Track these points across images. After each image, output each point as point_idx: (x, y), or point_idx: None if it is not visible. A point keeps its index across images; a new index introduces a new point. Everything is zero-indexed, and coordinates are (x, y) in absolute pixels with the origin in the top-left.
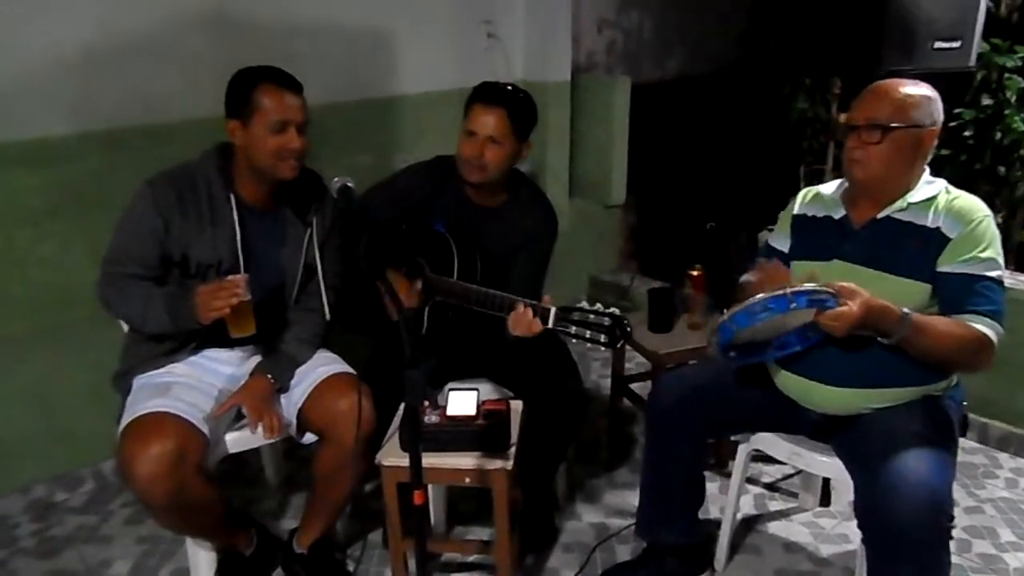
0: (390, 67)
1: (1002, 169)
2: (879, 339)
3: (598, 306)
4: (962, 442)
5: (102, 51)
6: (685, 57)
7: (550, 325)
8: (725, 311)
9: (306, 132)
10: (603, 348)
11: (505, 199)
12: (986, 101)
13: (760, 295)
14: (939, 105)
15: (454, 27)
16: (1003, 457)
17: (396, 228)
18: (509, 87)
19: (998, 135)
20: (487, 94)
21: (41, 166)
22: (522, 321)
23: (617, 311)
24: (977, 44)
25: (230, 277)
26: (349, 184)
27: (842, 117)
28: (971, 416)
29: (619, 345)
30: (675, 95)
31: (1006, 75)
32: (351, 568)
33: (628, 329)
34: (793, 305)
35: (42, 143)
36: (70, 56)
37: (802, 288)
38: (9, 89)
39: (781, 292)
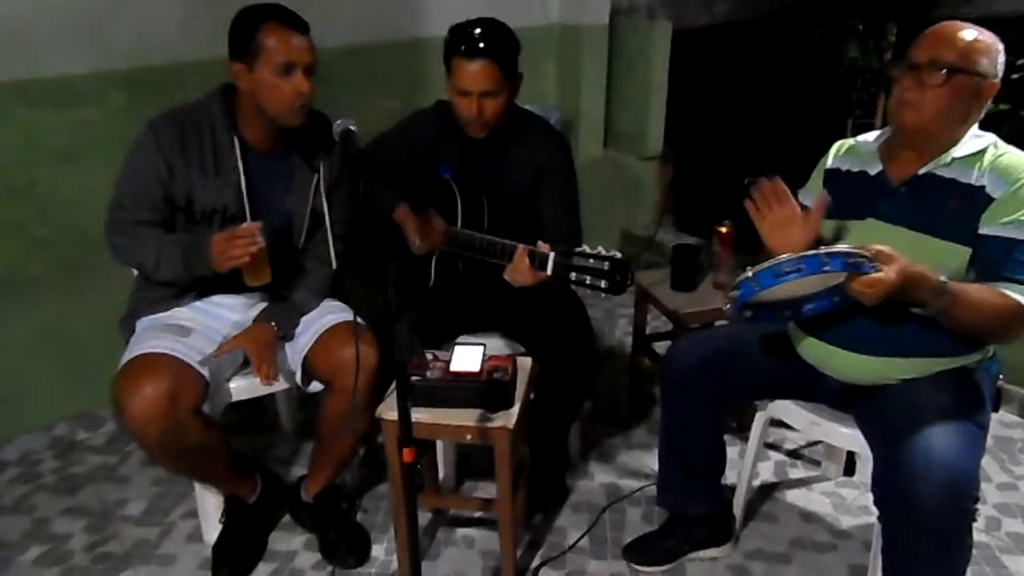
0: (417, 8)
1: None
2: (912, 309)
3: (599, 249)
4: (1000, 415)
5: None
6: (734, 0)
7: (548, 272)
8: (750, 268)
9: (314, 75)
10: (604, 295)
11: (509, 136)
12: None
13: (788, 255)
14: (1003, 58)
15: None
16: None
17: (399, 178)
18: (482, 29)
19: None
20: (468, 46)
21: (62, 106)
22: (520, 269)
23: (619, 254)
24: None
25: (244, 225)
26: (352, 128)
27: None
28: (1012, 388)
29: (622, 292)
30: (720, 41)
31: None
32: (358, 518)
33: (630, 273)
34: (827, 268)
35: (62, 82)
36: None
37: (838, 249)
38: (29, 26)
39: (815, 253)
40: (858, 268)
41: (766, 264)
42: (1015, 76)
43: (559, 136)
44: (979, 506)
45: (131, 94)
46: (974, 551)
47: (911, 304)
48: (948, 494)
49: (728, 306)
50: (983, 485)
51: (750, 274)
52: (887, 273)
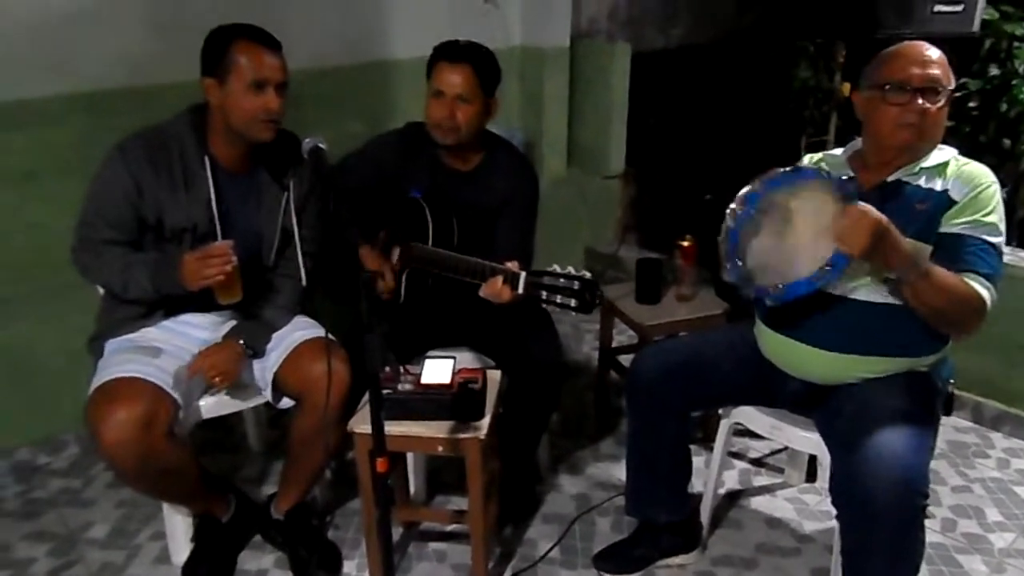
0: (383, 31)
1: (1007, 142)
2: (887, 276)
3: (569, 269)
4: (954, 421)
5: (87, 12)
6: (690, 24)
7: (520, 291)
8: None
9: (285, 93)
10: (574, 312)
11: (480, 161)
12: (993, 71)
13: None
14: None
15: None
16: (996, 437)
17: (368, 198)
18: (468, 43)
19: (1004, 107)
20: (450, 52)
21: (24, 128)
22: (493, 287)
23: (588, 274)
24: (981, 9)
25: (217, 243)
26: (321, 145)
27: (860, 82)
28: (965, 395)
29: (591, 310)
30: (678, 63)
31: (1015, 44)
32: (329, 535)
33: (599, 293)
34: (825, 176)
35: (23, 104)
36: (54, 16)
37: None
38: None
39: (814, 168)
40: (848, 195)
41: (768, 174)
42: (957, 94)
43: (530, 168)
44: (935, 508)
45: (94, 117)
46: (931, 551)
47: (888, 265)
48: (900, 491)
49: (729, 221)
50: (939, 488)
51: (757, 184)
52: (874, 210)
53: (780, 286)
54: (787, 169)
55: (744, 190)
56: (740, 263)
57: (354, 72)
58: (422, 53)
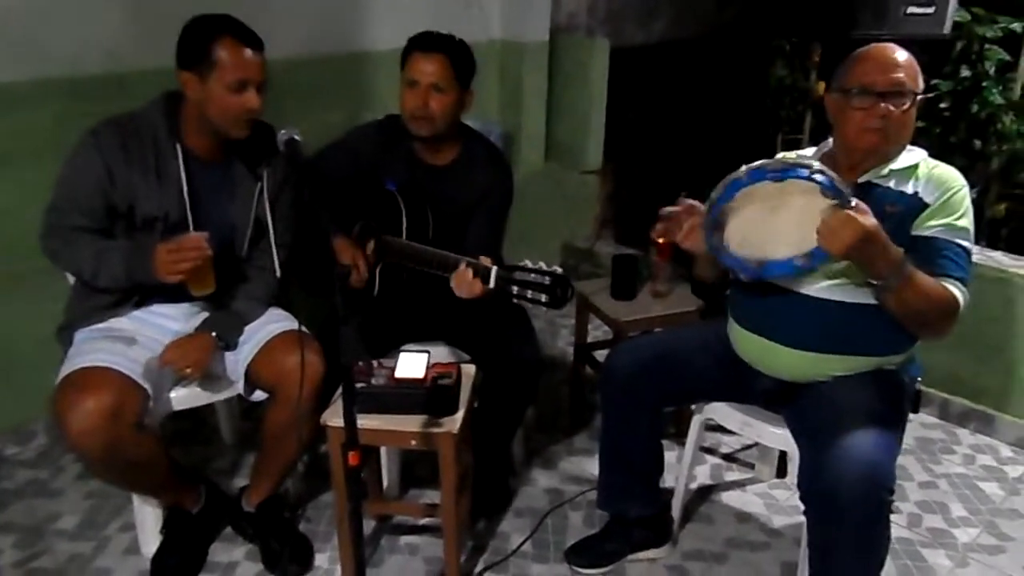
0: (362, 22)
1: (977, 143)
2: (870, 281)
3: (540, 264)
4: (920, 417)
5: None
6: (670, 20)
7: (491, 285)
8: (743, 167)
9: (265, 91)
10: (545, 308)
11: (457, 156)
12: (964, 73)
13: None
14: None
15: None
16: (963, 433)
17: (344, 189)
18: (446, 34)
19: (975, 108)
20: (425, 42)
21: None
22: (463, 281)
23: (559, 270)
24: (952, 11)
25: (190, 235)
26: (296, 137)
27: (830, 84)
28: (932, 391)
29: (561, 305)
30: (657, 59)
31: (986, 46)
32: (301, 528)
33: (570, 288)
34: (817, 178)
35: None
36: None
37: (831, 173)
38: None
39: (808, 162)
40: (842, 197)
41: (755, 164)
42: (928, 95)
43: (506, 164)
44: (901, 503)
45: (69, 102)
46: (897, 546)
47: (872, 272)
48: (865, 487)
49: (708, 204)
50: (905, 484)
51: (739, 172)
52: (864, 217)
53: (759, 262)
54: (779, 162)
55: (731, 176)
56: (718, 236)
57: (334, 63)
58: (402, 45)
